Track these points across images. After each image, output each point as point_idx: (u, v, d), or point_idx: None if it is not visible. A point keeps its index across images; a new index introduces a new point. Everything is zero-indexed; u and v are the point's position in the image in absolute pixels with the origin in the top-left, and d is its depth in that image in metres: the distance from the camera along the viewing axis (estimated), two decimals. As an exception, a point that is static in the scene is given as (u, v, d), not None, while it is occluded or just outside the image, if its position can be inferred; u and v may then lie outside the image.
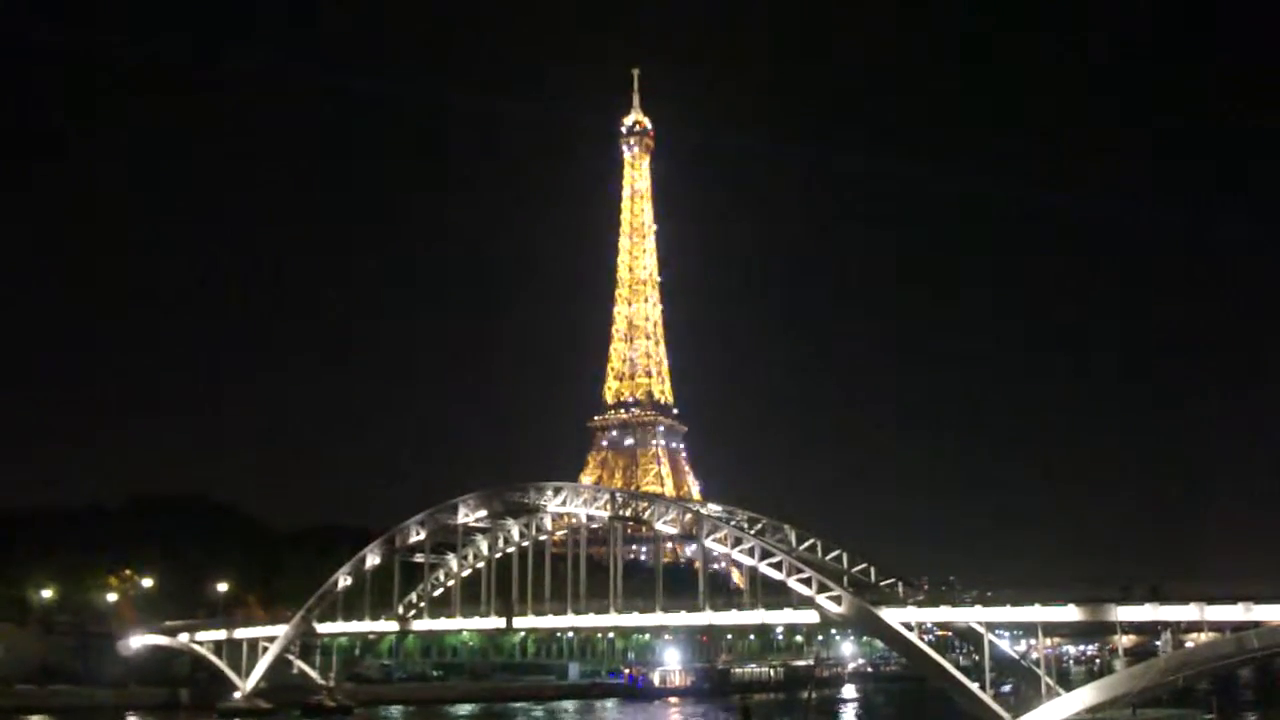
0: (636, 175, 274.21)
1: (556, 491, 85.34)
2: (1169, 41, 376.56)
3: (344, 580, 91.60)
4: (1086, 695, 54.69)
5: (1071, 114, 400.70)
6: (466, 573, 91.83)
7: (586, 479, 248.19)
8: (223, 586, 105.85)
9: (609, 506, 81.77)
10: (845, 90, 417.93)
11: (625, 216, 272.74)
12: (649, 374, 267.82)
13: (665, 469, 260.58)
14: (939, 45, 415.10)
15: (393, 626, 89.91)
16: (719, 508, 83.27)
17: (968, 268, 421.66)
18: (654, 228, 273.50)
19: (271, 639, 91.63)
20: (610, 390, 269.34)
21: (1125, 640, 69.81)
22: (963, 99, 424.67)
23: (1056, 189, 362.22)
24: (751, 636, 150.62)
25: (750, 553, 70.37)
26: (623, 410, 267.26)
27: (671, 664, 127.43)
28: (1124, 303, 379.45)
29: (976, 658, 63.64)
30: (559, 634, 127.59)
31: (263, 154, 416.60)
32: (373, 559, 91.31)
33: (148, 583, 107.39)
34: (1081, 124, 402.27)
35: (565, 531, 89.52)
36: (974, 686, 58.03)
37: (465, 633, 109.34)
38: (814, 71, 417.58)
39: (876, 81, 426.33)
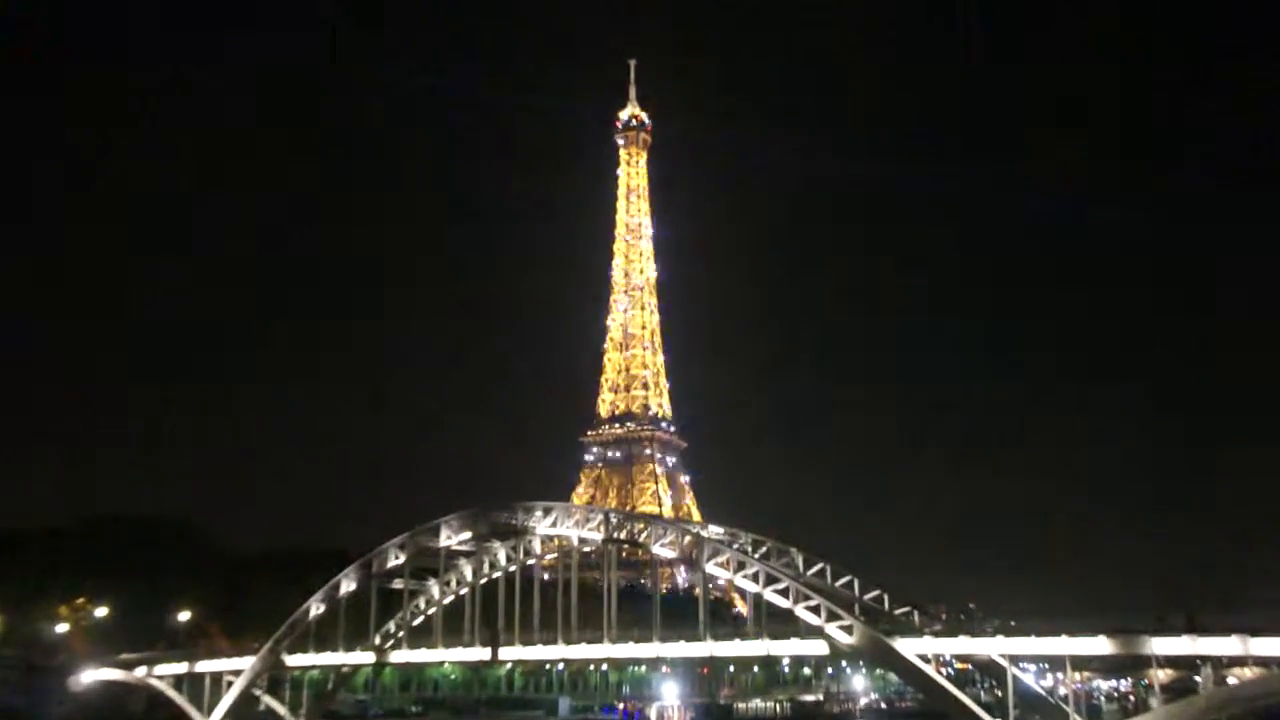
0: (633, 172, 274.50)
1: (546, 512, 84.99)
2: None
3: (316, 608, 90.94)
4: (1119, 734, 54.72)
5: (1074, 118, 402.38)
6: (449, 600, 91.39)
7: (578, 499, 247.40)
8: (184, 615, 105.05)
9: (603, 528, 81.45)
10: (847, 87, 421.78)
11: (620, 216, 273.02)
12: (646, 385, 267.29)
13: (663, 488, 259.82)
14: (941, 41, 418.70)
15: (369, 658, 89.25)
16: (720, 530, 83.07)
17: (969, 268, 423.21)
18: (651, 228, 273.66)
19: (237, 672, 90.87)
20: (604, 403, 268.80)
21: (1162, 675, 69.41)
22: (963, 99, 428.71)
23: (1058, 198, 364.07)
24: (756, 669, 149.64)
25: (754, 578, 70.27)
26: (617, 425, 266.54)
27: (670, 699, 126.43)
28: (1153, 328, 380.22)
29: (999, 693, 63.13)
30: (548, 666, 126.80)
31: (253, 157, 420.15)
32: (347, 585, 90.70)
33: (101, 612, 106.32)
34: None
35: (555, 555, 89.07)
36: (997, 724, 57.61)
37: (447, 665, 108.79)
38: (815, 66, 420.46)
39: (877, 78, 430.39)
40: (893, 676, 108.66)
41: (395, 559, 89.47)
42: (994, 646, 60.63)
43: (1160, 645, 53.09)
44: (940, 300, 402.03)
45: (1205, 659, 53.09)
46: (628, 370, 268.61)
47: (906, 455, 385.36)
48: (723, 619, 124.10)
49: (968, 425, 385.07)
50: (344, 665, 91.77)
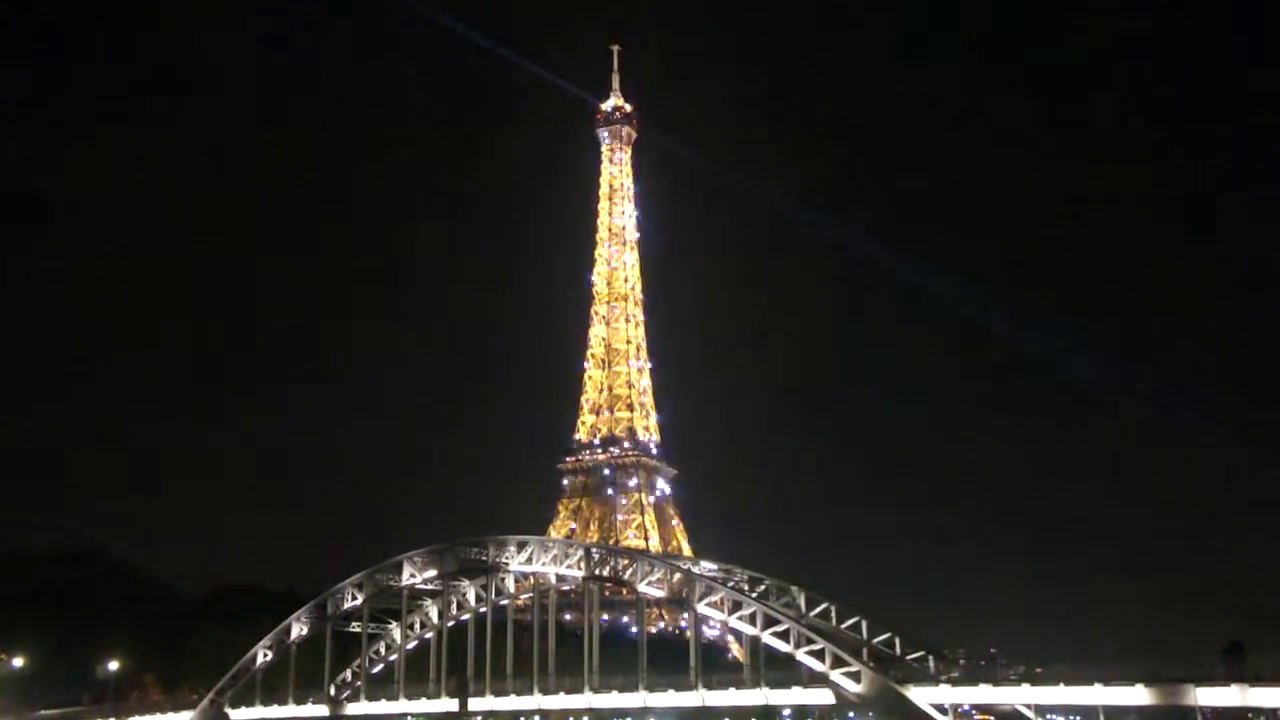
0: (616, 170, 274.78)
1: (520, 547, 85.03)
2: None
3: (264, 655, 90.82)
4: (1158, 794, 54.43)
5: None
6: (412, 644, 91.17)
7: (556, 532, 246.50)
8: (114, 664, 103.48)
9: (583, 564, 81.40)
10: (847, 87, 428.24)
11: (603, 219, 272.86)
12: (630, 406, 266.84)
13: (650, 520, 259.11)
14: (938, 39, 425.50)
15: (322, 711, 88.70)
16: (714, 566, 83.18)
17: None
18: (636, 232, 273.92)
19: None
20: (584, 426, 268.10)
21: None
22: (965, 97, 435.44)
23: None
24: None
25: (751, 620, 70.36)
26: (599, 450, 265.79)
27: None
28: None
29: (1024, 747, 63.06)
30: (523, 717, 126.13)
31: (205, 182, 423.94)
32: (299, 629, 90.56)
33: (18, 662, 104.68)
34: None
35: (531, 595, 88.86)
36: (1021, 782, 57.64)
37: (410, 717, 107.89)
38: (814, 64, 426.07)
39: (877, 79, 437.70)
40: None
41: (352, 600, 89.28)
42: (1018, 696, 60.54)
43: (1206, 696, 52.74)
44: (951, 310, 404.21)
45: (1258, 712, 52.82)
46: (610, 389, 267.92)
47: (922, 484, 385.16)
48: (716, 665, 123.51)
49: (986, 448, 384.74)
50: (295, 719, 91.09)
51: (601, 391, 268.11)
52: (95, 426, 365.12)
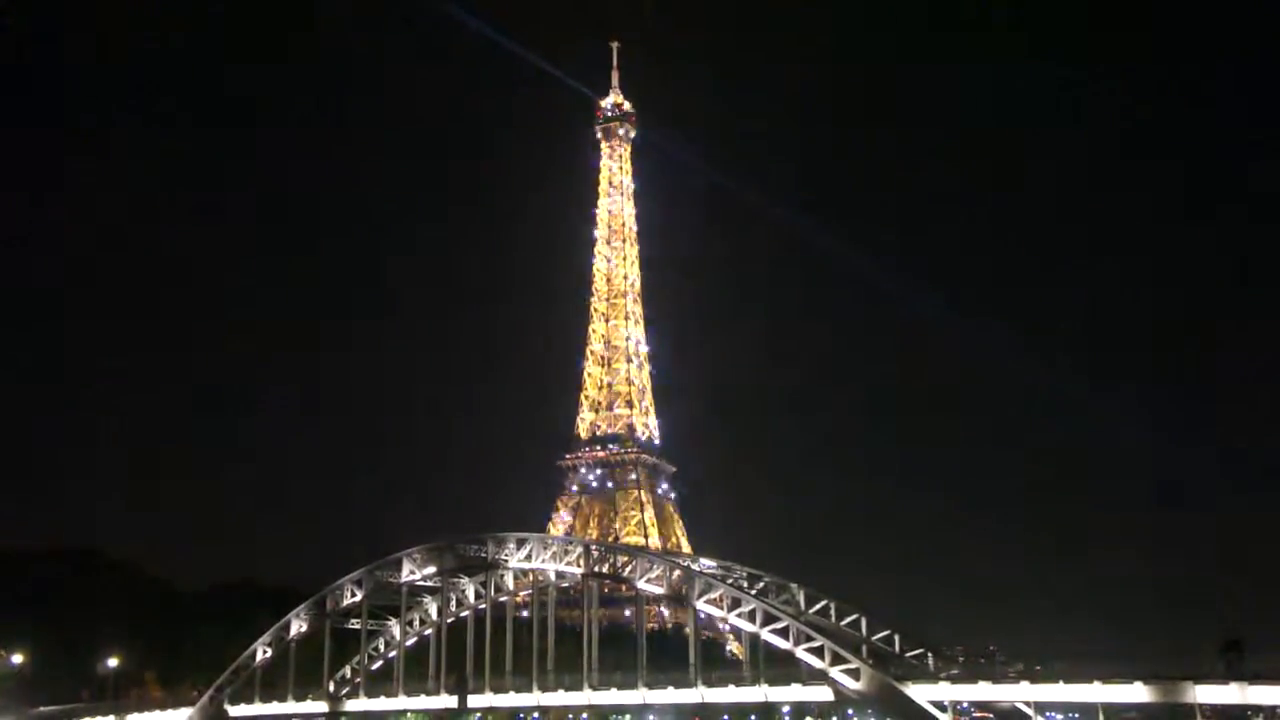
0: (615, 167, 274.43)
1: (520, 544, 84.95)
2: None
3: (263, 651, 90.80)
4: (1157, 790, 54.40)
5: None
6: (412, 641, 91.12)
7: (555, 529, 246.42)
8: (113, 661, 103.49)
9: (582, 561, 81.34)
10: (847, 84, 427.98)
11: (602, 216, 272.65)
12: (630, 403, 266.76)
13: (649, 517, 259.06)
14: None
15: (322, 707, 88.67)
16: (713, 563, 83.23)
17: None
18: (635, 229, 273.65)
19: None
20: (584, 423, 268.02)
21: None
22: (966, 97, 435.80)
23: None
24: (753, 717, 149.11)
25: (750, 616, 70.29)
26: (599, 447, 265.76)
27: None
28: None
29: (1023, 745, 63.03)
30: (522, 715, 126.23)
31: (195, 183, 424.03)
32: (298, 625, 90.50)
33: (18, 659, 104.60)
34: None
35: (530, 592, 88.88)
36: (1020, 778, 57.62)
37: (410, 714, 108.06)
38: (814, 64, 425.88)
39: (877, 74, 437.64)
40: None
41: (352, 596, 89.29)
42: (1018, 693, 60.63)
43: (1205, 694, 52.68)
44: (951, 311, 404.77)
45: (1257, 710, 52.71)
46: (610, 387, 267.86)
47: (919, 481, 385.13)
48: (715, 662, 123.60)
49: (986, 438, 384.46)
50: (294, 715, 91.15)
51: (601, 388, 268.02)
52: (95, 426, 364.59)
